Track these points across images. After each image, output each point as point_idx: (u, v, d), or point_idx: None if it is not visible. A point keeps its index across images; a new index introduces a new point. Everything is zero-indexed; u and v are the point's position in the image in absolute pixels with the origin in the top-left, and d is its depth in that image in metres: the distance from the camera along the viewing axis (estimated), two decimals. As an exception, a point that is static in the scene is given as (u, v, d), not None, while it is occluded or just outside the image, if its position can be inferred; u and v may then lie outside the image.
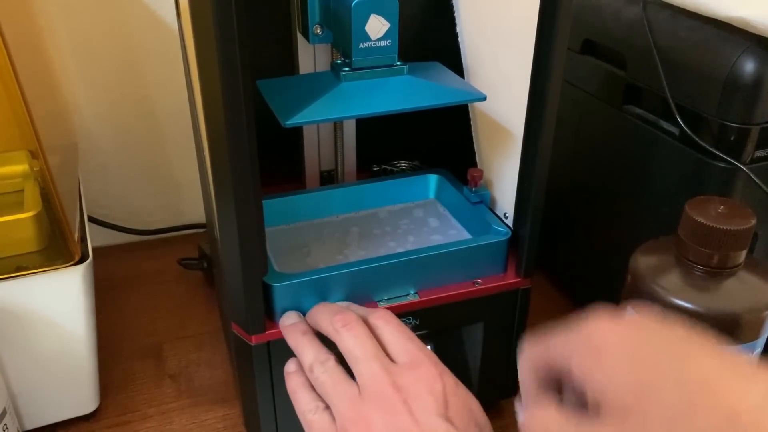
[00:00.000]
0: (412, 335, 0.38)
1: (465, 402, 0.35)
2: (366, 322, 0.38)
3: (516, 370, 0.40)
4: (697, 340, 0.28)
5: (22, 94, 0.44)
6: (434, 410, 0.34)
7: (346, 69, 0.40)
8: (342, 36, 0.40)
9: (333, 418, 0.36)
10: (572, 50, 0.61)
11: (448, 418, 0.33)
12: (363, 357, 0.36)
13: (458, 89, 0.42)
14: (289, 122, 0.37)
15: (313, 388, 0.38)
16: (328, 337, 0.38)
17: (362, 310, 0.40)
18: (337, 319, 0.38)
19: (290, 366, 0.40)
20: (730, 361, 0.27)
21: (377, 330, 0.38)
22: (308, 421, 0.37)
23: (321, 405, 0.37)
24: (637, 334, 0.29)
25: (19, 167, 0.50)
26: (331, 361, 0.38)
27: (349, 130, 0.54)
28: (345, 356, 0.37)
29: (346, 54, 0.40)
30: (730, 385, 0.26)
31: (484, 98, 0.41)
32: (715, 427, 0.25)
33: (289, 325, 0.41)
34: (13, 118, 0.48)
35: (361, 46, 0.39)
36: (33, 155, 0.51)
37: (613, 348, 0.29)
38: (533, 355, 0.32)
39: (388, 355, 0.37)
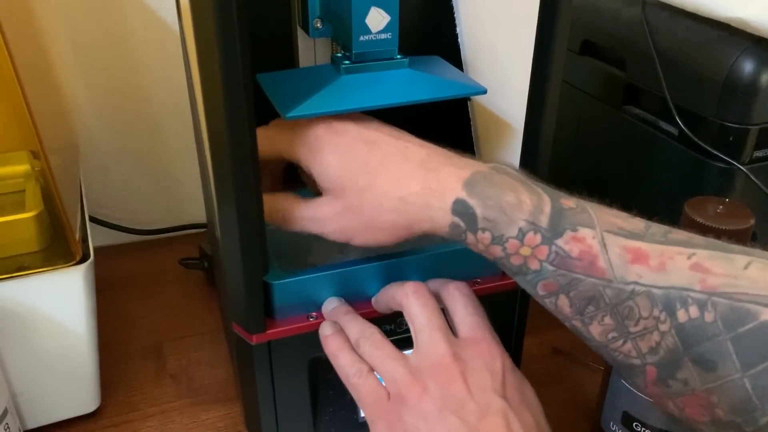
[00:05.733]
0: (482, 312, 0.39)
1: (519, 385, 0.36)
2: (441, 292, 0.40)
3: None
4: (390, 135, 0.38)
5: (24, 94, 0.44)
6: (491, 386, 0.34)
7: (347, 62, 0.40)
8: (342, 29, 0.40)
9: (379, 381, 0.36)
10: (572, 51, 0.61)
11: (503, 396, 0.34)
12: (427, 325, 0.36)
13: (459, 83, 0.42)
14: (289, 115, 0.37)
15: (353, 350, 0.38)
16: (398, 301, 0.39)
17: (441, 281, 0.41)
18: (409, 284, 0.39)
19: (326, 329, 0.40)
20: (410, 157, 0.37)
21: (449, 297, 0.39)
22: (353, 384, 0.37)
23: (365, 368, 0.37)
24: (342, 131, 0.38)
25: (21, 167, 0.51)
26: (377, 334, 0.38)
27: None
28: (410, 321, 0.37)
29: (347, 47, 0.40)
30: (397, 172, 0.36)
31: (485, 91, 0.41)
32: (383, 199, 0.36)
33: (332, 309, 0.41)
34: (14, 119, 0.48)
35: (361, 38, 0.39)
36: (34, 155, 0.51)
37: (325, 142, 0.38)
38: (263, 147, 0.38)
39: (453, 325, 0.38)
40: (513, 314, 0.48)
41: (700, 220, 0.40)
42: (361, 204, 0.37)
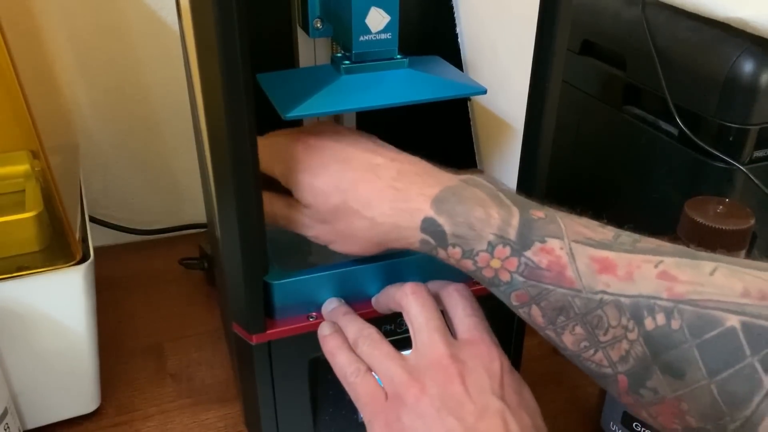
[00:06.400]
0: (481, 314, 0.39)
1: (517, 387, 0.36)
2: (440, 293, 0.40)
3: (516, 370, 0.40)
4: (364, 151, 0.39)
5: (24, 94, 0.44)
6: (489, 388, 0.34)
7: (347, 62, 0.40)
8: (342, 29, 0.40)
9: (377, 381, 0.36)
10: (571, 51, 0.61)
11: (502, 398, 0.34)
12: (426, 325, 0.37)
13: (459, 83, 0.42)
14: (289, 115, 0.37)
15: (351, 349, 0.39)
16: (397, 302, 0.39)
17: (441, 282, 0.41)
18: (409, 284, 0.39)
19: (324, 329, 0.41)
20: (381, 175, 0.37)
21: (449, 299, 0.39)
22: (351, 384, 0.37)
23: (362, 367, 0.37)
24: (318, 149, 0.39)
25: (21, 167, 0.51)
26: (375, 333, 0.38)
27: (349, 125, 0.54)
28: (409, 322, 0.38)
29: (346, 47, 0.40)
30: (367, 192, 0.37)
31: (485, 91, 0.41)
32: (354, 218, 0.37)
33: (331, 309, 0.42)
34: (14, 119, 0.48)
35: (361, 38, 0.39)
36: (34, 155, 0.51)
37: (300, 162, 0.39)
38: (262, 163, 0.38)
39: (452, 326, 0.38)
40: (513, 315, 0.47)
41: (700, 220, 0.40)
42: (335, 221, 0.38)
